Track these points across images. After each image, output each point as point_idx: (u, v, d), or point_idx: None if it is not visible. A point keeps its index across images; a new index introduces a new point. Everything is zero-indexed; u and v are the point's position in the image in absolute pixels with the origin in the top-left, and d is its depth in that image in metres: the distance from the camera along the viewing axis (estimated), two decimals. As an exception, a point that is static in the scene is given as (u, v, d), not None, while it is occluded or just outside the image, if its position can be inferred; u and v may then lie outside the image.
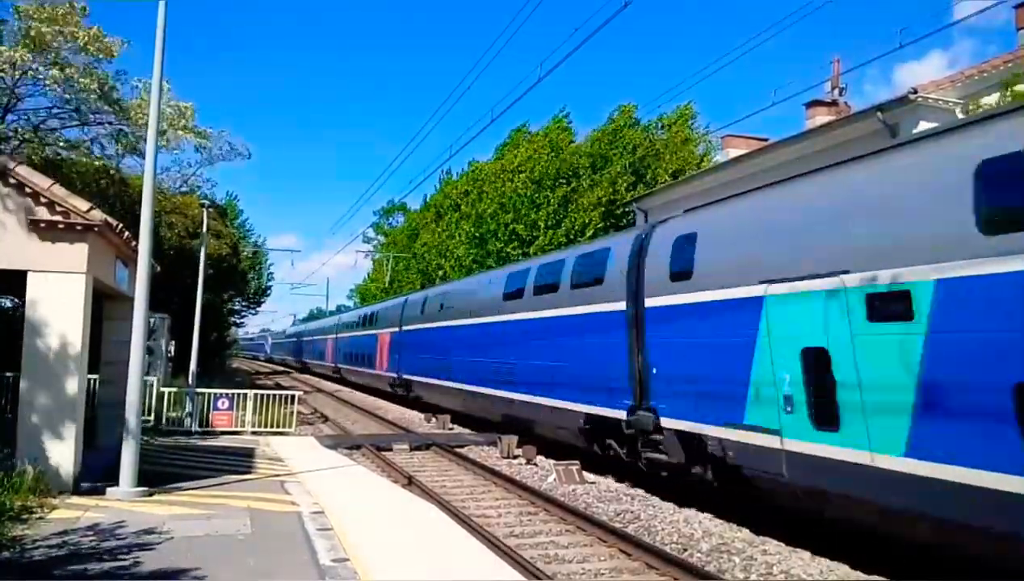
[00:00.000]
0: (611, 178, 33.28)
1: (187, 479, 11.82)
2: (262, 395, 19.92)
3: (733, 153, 25.30)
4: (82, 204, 10.72)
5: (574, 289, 15.56)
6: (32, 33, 15.91)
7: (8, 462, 10.19)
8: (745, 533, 10.54)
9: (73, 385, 10.62)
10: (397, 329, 30.93)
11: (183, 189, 27.32)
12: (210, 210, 26.31)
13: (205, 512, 9.59)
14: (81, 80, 16.89)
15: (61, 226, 10.56)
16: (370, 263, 66.96)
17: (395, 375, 30.79)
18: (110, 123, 19.16)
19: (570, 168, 34.44)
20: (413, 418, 27.19)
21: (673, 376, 11.95)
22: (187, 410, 19.26)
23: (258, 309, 76.71)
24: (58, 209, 10.55)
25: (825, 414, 8.72)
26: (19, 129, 18.74)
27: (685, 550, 9.75)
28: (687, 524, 11.09)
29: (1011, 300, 6.83)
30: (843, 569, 8.98)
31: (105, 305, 14.63)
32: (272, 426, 19.41)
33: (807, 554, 9.49)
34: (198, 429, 18.69)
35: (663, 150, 33.90)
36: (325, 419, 26.69)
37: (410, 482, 13.89)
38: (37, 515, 9.12)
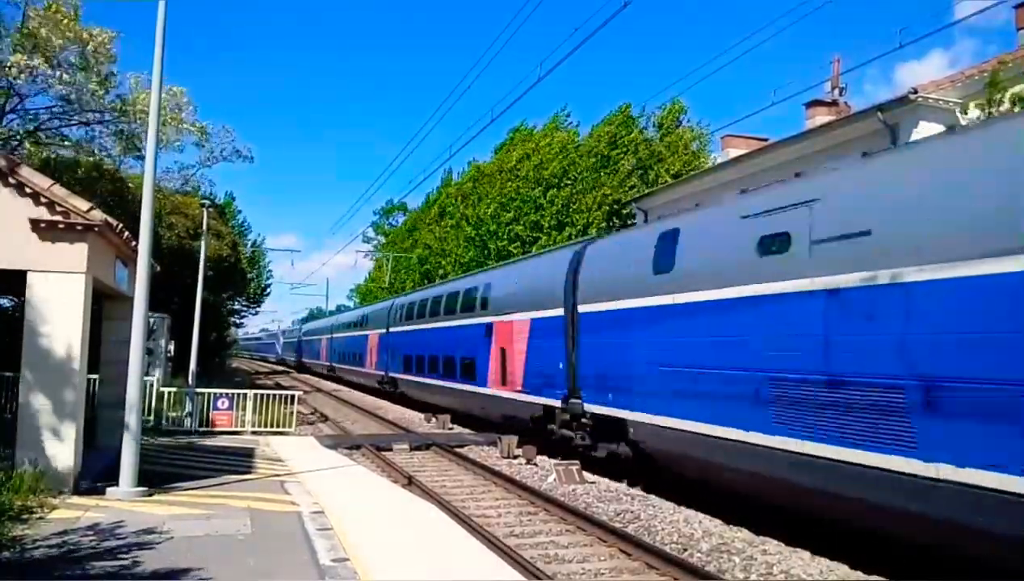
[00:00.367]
0: (619, 178, 33.29)
1: (187, 479, 11.82)
2: (262, 395, 19.92)
3: (733, 153, 25.30)
4: (82, 204, 10.72)
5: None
6: (28, 30, 15.93)
7: (8, 462, 10.19)
8: (745, 533, 10.54)
9: (73, 385, 10.61)
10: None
11: (185, 188, 27.31)
12: (210, 210, 26.32)
13: (205, 512, 9.59)
14: (81, 72, 16.91)
15: (61, 226, 10.55)
16: (370, 263, 67.08)
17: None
18: (111, 121, 19.16)
19: (574, 167, 34.39)
20: (413, 418, 27.19)
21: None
22: (187, 410, 19.26)
23: (258, 309, 76.80)
24: (58, 209, 10.54)
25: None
26: (18, 131, 18.75)
27: (685, 550, 9.75)
28: (687, 524, 11.09)
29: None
30: (843, 569, 8.98)
31: (105, 305, 14.63)
32: (272, 426, 19.41)
33: (807, 554, 9.49)
34: (198, 429, 18.69)
35: (665, 153, 33.91)
36: (325, 419, 26.69)
37: (410, 482, 13.89)
38: (37, 515, 9.12)
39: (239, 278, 46.31)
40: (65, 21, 16.21)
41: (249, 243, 57.41)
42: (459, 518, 10.68)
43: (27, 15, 16.19)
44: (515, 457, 17.15)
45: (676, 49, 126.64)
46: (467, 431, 22.33)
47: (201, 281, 23.13)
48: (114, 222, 11.38)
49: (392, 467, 15.43)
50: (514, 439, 17.61)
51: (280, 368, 79.49)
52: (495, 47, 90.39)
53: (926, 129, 15.38)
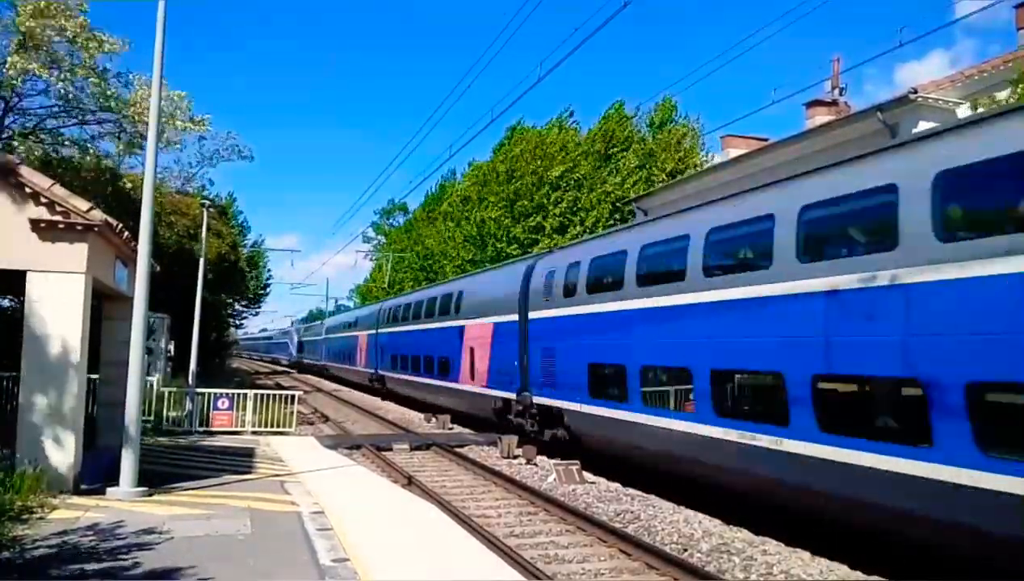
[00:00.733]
0: (622, 176, 33.26)
1: (187, 479, 11.82)
2: (262, 395, 19.91)
3: (733, 153, 25.29)
4: (82, 204, 10.71)
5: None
6: (24, 29, 15.89)
7: (8, 462, 10.18)
8: (745, 533, 10.54)
9: (73, 385, 10.60)
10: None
11: (185, 188, 27.25)
12: (210, 210, 26.30)
13: (205, 512, 9.59)
14: (79, 70, 16.88)
15: (61, 226, 10.55)
16: (370, 263, 67.00)
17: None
18: (109, 121, 19.13)
19: (577, 169, 34.30)
20: (413, 418, 27.21)
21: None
22: (187, 410, 19.26)
23: (258, 310, 76.75)
24: (58, 209, 10.54)
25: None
26: (16, 131, 18.72)
27: (685, 550, 9.75)
28: (687, 524, 11.09)
29: None
30: (843, 569, 8.98)
31: (105, 305, 14.63)
32: (272, 426, 19.41)
33: (807, 554, 9.50)
34: (198, 429, 18.69)
35: (658, 150, 33.82)
36: (325, 419, 26.70)
37: (410, 482, 13.89)
38: (37, 515, 9.12)
39: (239, 278, 46.30)
40: (57, 16, 16.12)
41: (249, 243, 57.35)
42: (459, 518, 10.68)
43: (19, 12, 16.15)
44: (515, 457, 17.16)
45: (676, 49, 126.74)
46: (467, 431, 22.35)
47: (201, 281, 23.12)
48: (114, 222, 11.37)
49: (392, 467, 15.43)
50: (514, 439, 17.64)
51: (280, 369, 79.12)
52: (495, 47, 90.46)
53: (926, 129, 15.33)
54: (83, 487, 10.68)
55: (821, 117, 22.65)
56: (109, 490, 10.43)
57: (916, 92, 16.31)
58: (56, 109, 18.77)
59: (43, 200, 10.50)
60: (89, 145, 19.53)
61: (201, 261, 23.45)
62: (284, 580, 7.04)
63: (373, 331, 35.68)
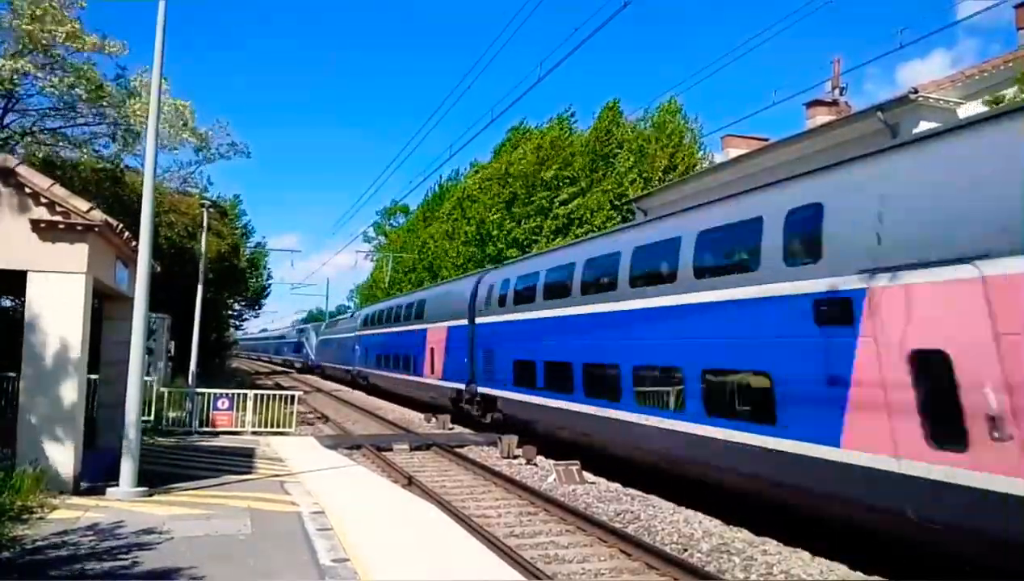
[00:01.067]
0: (620, 176, 33.21)
1: (187, 479, 11.82)
2: (262, 395, 19.91)
3: (733, 153, 25.26)
4: (82, 204, 10.71)
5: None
6: (20, 31, 15.87)
7: (8, 462, 10.18)
8: (745, 533, 10.54)
9: (73, 385, 10.60)
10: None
11: (185, 188, 27.23)
12: (210, 210, 26.29)
13: (205, 512, 9.59)
14: (75, 71, 16.86)
15: (61, 226, 10.54)
16: (370, 263, 66.97)
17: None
18: (108, 122, 19.11)
19: (570, 169, 34.27)
20: (413, 418, 27.22)
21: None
22: (187, 410, 19.25)
23: (259, 310, 76.58)
24: (58, 209, 10.53)
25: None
26: (15, 131, 18.71)
27: (685, 550, 9.75)
28: (687, 524, 11.09)
29: None
30: (843, 569, 8.98)
31: (105, 305, 14.63)
32: (272, 426, 19.41)
33: (807, 554, 9.49)
34: (198, 429, 18.69)
35: (647, 146, 33.70)
36: (325, 419, 26.70)
37: (410, 482, 13.89)
38: (37, 515, 9.12)
39: (239, 278, 46.23)
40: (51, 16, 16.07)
41: (252, 244, 57.18)
42: (459, 518, 10.68)
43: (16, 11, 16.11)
44: (515, 457, 17.15)
45: (676, 49, 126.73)
46: (467, 431, 22.36)
47: (202, 281, 23.11)
48: (114, 222, 11.36)
49: (392, 467, 15.43)
50: (514, 439, 17.64)
51: (280, 368, 78.89)
52: (495, 47, 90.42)
53: (927, 129, 15.32)
54: (83, 487, 10.68)
55: (822, 117, 22.63)
56: (109, 490, 10.43)
57: (916, 92, 16.31)
58: (53, 110, 18.76)
59: (43, 200, 10.50)
60: (85, 147, 19.49)
61: (202, 261, 23.43)
62: (284, 580, 7.04)
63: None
